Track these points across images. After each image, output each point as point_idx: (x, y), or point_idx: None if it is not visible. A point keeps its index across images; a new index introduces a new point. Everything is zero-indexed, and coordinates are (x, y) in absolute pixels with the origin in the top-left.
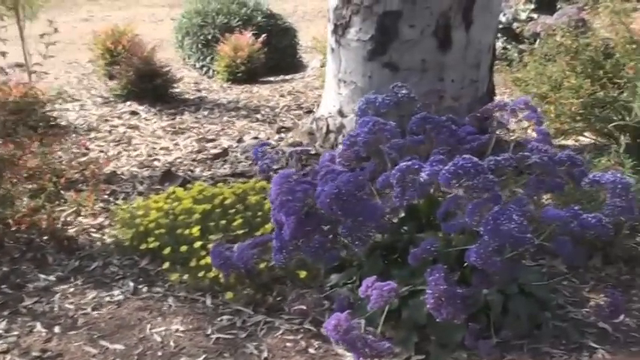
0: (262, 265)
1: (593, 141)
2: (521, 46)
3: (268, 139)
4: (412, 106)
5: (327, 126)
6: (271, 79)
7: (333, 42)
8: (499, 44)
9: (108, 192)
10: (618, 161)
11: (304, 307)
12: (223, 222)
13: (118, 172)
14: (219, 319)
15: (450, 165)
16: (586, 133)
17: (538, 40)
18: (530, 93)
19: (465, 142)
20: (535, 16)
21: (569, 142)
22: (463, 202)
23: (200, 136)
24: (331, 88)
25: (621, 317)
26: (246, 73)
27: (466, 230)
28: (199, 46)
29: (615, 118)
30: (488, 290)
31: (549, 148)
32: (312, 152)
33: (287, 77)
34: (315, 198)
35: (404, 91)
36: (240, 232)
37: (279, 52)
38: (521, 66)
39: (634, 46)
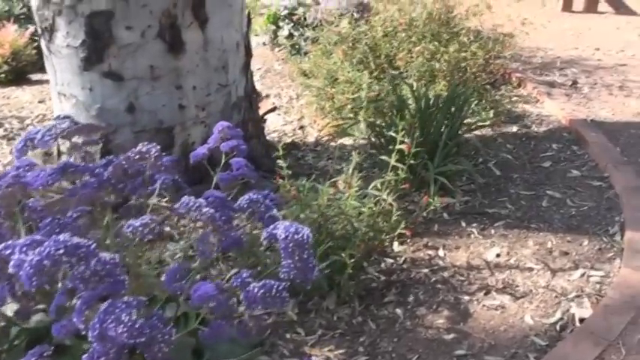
0: None
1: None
2: (308, 34)
3: None
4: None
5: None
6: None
7: (45, 48)
8: (285, 31)
9: None
10: (350, 183)
11: None
12: None
13: None
14: None
15: (35, 254)
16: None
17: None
18: (310, 87)
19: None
20: (321, 0)
21: (350, 141)
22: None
23: None
24: (55, 103)
25: None
26: (13, 73)
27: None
28: None
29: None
30: None
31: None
32: None
33: None
34: None
35: (65, 125)
36: None
37: None
38: (306, 56)
39: (408, 33)
